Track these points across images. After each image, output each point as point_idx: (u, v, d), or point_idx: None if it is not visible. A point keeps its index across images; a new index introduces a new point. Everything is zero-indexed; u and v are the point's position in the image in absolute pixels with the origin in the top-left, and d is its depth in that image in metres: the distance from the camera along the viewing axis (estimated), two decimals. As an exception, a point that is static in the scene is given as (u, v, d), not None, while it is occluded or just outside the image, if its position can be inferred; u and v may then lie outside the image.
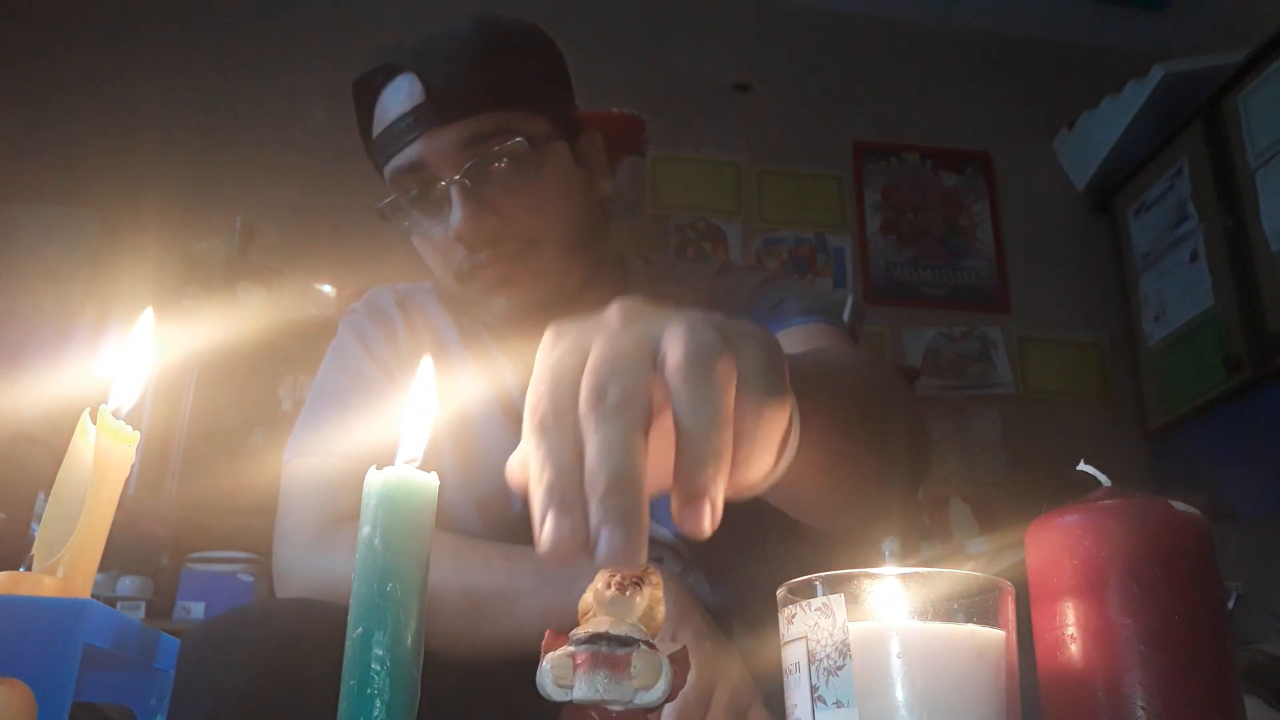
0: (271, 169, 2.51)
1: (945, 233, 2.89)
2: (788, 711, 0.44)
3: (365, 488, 0.43)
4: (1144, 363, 2.75)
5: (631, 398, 0.41)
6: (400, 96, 0.90)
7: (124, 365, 0.45)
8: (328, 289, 2.22)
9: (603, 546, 0.38)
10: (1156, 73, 2.58)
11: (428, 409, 0.46)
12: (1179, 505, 0.47)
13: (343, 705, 0.40)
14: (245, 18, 2.70)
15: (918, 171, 2.94)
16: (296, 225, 2.44)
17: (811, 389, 0.54)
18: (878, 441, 0.67)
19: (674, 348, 0.42)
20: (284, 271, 2.25)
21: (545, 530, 0.38)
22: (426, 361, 0.48)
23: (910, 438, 0.75)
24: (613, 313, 0.45)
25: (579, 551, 0.38)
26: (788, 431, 0.51)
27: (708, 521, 0.40)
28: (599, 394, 0.41)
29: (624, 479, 0.38)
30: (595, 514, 0.38)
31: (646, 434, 0.41)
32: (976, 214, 2.92)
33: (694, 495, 0.39)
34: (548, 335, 0.45)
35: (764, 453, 0.48)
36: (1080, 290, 2.87)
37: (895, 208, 2.89)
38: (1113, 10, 3.00)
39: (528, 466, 0.41)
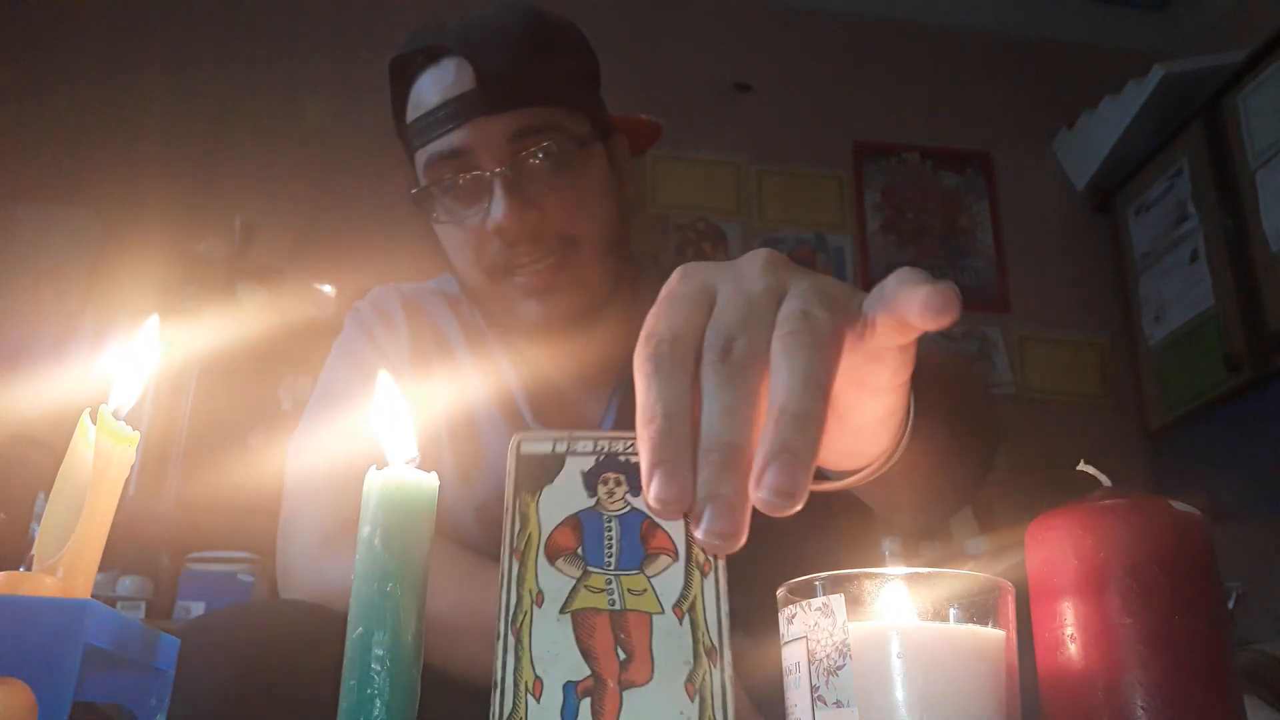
0: (271, 169, 2.50)
1: (945, 233, 2.89)
2: (788, 711, 0.44)
3: (365, 488, 0.43)
4: (1144, 363, 2.74)
5: (756, 356, 0.40)
6: (446, 80, 0.88)
7: (124, 366, 0.45)
8: (328, 289, 2.21)
9: (704, 526, 0.37)
10: (1156, 73, 2.57)
11: (401, 419, 0.46)
12: (1179, 505, 0.47)
13: (343, 705, 0.40)
14: (246, 17, 2.69)
15: (918, 171, 2.94)
16: (296, 225, 2.44)
17: (925, 381, 0.52)
18: (975, 434, 0.68)
19: (791, 304, 0.41)
20: (284, 271, 2.25)
21: (654, 488, 0.38)
22: (384, 376, 0.47)
23: (993, 429, 0.76)
24: (747, 259, 0.45)
25: (683, 511, 0.38)
26: (903, 420, 0.50)
27: (795, 481, 0.37)
28: (725, 348, 0.40)
29: (738, 454, 0.38)
30: (704, 483, 0.37)
31: (764, 397, 0.39)
32: (976, 214, 2.92)
33: (778, 454, 0.37)
34: (676, 273, 0.45)
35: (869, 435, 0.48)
36: (1080, 290, 2.87)
37: (895, 208, 2.89)
38: (1113, 10, 3.00)
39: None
